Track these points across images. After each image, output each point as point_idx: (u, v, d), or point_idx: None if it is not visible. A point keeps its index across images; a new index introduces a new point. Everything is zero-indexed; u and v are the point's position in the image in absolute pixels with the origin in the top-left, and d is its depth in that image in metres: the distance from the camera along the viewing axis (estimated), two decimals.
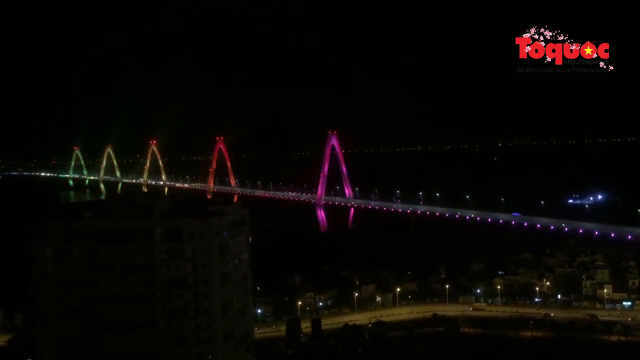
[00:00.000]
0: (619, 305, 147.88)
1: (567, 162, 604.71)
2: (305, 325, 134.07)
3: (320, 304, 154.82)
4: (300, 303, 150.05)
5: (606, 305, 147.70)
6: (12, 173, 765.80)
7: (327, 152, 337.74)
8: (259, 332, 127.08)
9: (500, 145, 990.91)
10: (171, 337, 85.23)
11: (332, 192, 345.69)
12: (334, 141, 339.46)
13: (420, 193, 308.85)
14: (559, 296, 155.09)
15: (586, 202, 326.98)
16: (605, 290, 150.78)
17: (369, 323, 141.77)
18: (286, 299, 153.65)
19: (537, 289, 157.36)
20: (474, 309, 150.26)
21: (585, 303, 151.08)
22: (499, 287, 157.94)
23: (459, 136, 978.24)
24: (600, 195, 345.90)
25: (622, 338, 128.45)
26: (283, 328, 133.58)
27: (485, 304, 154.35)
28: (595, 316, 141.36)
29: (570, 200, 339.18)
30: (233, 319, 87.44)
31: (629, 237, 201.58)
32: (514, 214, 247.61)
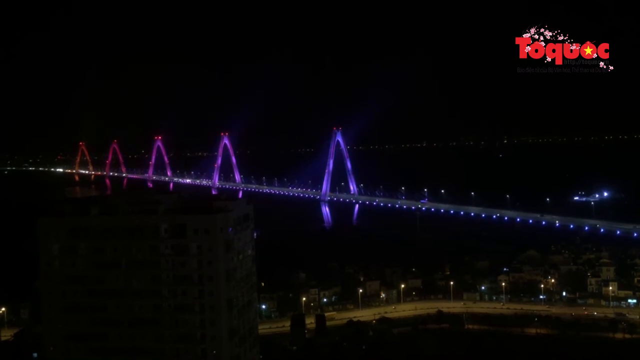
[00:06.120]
0: (624, 302, 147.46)
1: (573, 160, 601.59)
2: (310, 322, 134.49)
3: (325, 300, 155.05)
4: (304, 299, 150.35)
5: (611, 303, 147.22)
6: (21, 168, 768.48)
7: (332, 149, 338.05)
8: (264, 328, 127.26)
9: (506, 142, 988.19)
10: (176, 333, 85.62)
11: (337, 188, 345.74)
12: (339, 138, 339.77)
13: (425, 190, 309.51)
14: (564, 294, 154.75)
15: (592, 200, 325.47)
16: (611, 288, 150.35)
17: (373, 319, 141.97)
18: (291, 295, 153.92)
19: (542, 286, 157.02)
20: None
21: (591, 300, 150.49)
22: (503, 284, 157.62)
23: (464, 133, 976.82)
24: (606, 192, 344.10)
25: (627, 335, 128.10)
26: (287, 324, 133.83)
27: (489, 302, 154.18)
28: (623, 314, 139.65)
29: (576, 198, 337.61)
30: (238, 315, 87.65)
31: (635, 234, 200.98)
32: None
